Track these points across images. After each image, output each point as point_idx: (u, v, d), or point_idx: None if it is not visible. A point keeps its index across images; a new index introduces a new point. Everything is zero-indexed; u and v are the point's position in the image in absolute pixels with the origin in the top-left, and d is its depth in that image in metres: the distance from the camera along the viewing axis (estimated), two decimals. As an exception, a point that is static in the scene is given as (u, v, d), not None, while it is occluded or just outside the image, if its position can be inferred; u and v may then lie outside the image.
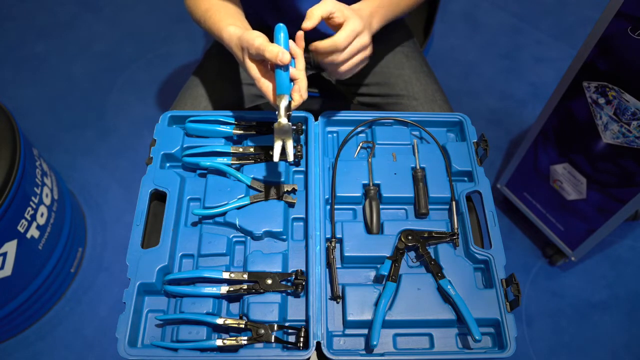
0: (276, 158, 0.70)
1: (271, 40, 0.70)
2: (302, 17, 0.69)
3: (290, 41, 0.71)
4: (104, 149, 1.73)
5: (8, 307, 1.24)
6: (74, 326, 1.38)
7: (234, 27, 0.76)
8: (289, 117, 0.69)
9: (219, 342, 0.64)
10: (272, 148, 0.81)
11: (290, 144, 0.70)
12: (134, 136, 1.76)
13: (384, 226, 0.76)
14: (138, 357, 0.64)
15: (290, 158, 0.70)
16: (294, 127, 0.83)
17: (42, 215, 1.24)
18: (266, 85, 0.72)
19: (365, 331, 0.69)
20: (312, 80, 1.10)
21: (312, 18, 0.69)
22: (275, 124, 0.69)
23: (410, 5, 0.88)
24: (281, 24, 0.70)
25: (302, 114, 0.85)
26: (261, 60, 0.72)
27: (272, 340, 0.66)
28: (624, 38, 0.92)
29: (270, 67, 0.73)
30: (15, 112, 1.22)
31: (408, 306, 0.68)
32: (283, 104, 0.69)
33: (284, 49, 0.67)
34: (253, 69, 0.72)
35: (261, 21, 0.91)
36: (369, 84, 1.04)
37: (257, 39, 0.68)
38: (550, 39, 2.07)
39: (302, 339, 0.66)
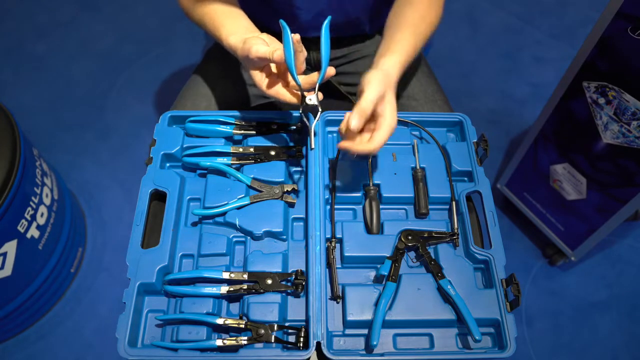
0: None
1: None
2: (294, 14, 0.68)
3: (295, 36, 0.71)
4: (104, 149, 1.73)
5: (8, 307, 1.24)
6: (74, 326, 1.38)
7: (234, 37, 0.74)
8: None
9: (219, 342, 0.64)
10: (271, 148, 0.82)
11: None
12: (134, 136, 1.76)
13: (384, 226, 0.75)
14: (138, 357, 0.64)
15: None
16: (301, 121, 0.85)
17: (42, 215, 1.23)
18: (275, 91, 0.72)
19: (365, 331, 0.69)
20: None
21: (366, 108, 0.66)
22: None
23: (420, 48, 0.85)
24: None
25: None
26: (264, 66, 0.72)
27: (272, 341, 0.66)
28: (624, 38, 0.92)
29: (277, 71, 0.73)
30: (15, 112, 1.22)
31: (408, 306, 0.68)
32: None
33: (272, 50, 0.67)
34: (259, 79, 0.72)
35: (254, 19, 0.90)
36: (369, 84, 1.04)
37: (254, 48, 0.67)
38: (550, 39, 2.07)
39: (302, 339, 0.66)
